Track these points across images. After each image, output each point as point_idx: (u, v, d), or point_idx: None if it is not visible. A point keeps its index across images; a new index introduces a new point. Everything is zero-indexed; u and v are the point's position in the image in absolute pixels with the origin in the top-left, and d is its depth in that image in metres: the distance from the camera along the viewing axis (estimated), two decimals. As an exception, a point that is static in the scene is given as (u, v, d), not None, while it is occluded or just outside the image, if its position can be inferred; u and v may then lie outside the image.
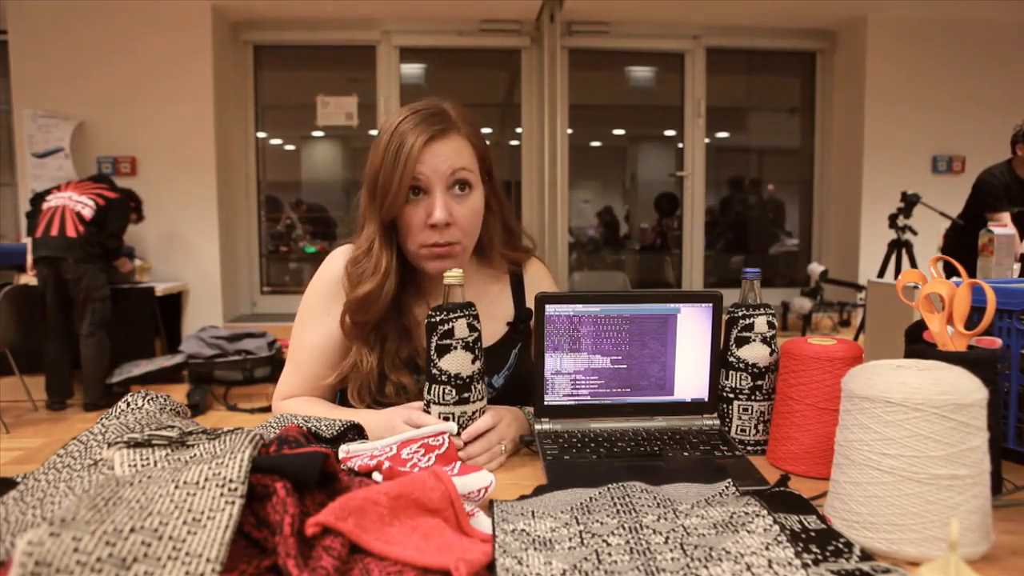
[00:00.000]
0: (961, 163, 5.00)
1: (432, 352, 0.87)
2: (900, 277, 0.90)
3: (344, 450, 0.80)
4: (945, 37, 4.93)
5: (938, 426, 0.60)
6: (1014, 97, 4.91)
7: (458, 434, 0.87)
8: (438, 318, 0.86)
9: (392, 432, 0.88)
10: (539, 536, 0.62)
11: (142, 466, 0.64)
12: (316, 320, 1.07)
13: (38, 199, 3.75)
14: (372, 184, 1.02)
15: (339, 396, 1.14)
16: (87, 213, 3.62)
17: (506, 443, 0.91)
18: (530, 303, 1.16)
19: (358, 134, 5.22)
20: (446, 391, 0.87)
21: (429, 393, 0.88)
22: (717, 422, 0.98)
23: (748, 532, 0.60)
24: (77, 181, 3.83)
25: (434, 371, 0.87)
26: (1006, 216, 3.23)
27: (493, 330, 1.11)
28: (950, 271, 0.99)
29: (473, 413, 0.88)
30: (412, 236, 1.01)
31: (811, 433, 0.83)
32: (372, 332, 1.04)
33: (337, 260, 1.10)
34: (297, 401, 1.06)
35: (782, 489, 0.75)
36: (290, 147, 5.53)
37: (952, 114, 4.96)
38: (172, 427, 0.73)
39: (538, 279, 1.20)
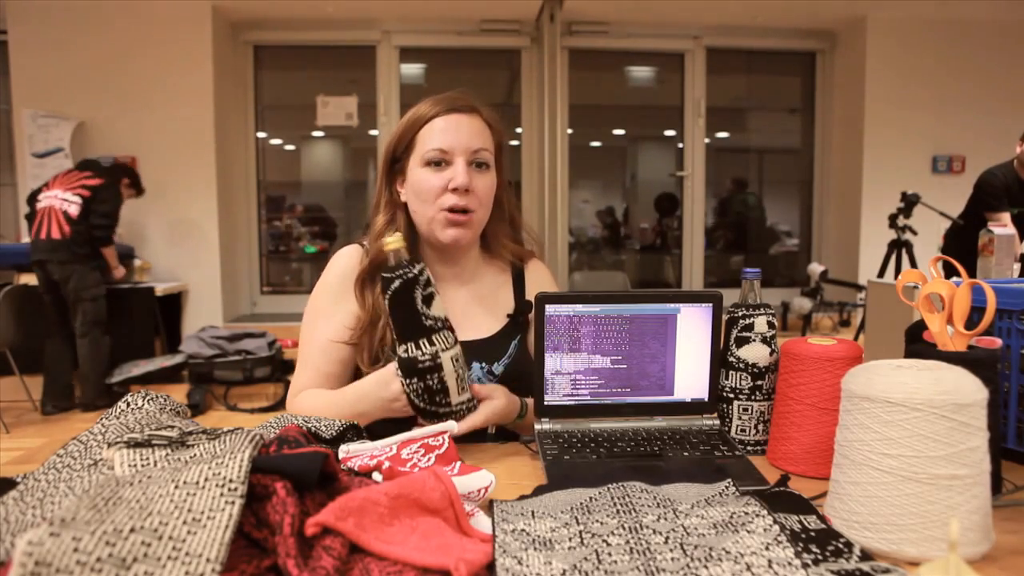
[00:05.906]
0: (961, 163, 5.00)
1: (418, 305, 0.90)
2: (900, 277, 0.90)
3: (344, 450, 0.80)
4: (945, 37, 4.92)
5: (938, 426, 0.60)
6: (1014, 97, 4.91)
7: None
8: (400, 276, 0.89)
9: (387, 388, 0.92)
10: (539, 536, 0.62)
11: (142, 466, 0.64)
12: (324, 318, 1.08)
13: (32, 199, 3.73)
14: (387, 149, 1.08)
15: None
16: (73, 211, 3.58)
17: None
18: (530, 299, 1.17)
19: (358, 134, 5.22)
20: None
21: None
22: (717, 422, 0.98)
23: (748, 532, 0.60)
24: (64, 173, 3.73)
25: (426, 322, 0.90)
26: (1006, 216, 3.22)
27: (494, 322, 1.12)
28: (950, 271, 0.99)
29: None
30: (430, 202, 1.04)
31: (811, 433, 0.83)
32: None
33: (343, 258, 1.11)
34: (308, 393, 1.07)
35: (782, 489, 0.75)
36: (290, 147, 5.53)
37: (952, 114, 4.96)
38: (172, 427, 0.73)
39: (540, 278, 1.21)
